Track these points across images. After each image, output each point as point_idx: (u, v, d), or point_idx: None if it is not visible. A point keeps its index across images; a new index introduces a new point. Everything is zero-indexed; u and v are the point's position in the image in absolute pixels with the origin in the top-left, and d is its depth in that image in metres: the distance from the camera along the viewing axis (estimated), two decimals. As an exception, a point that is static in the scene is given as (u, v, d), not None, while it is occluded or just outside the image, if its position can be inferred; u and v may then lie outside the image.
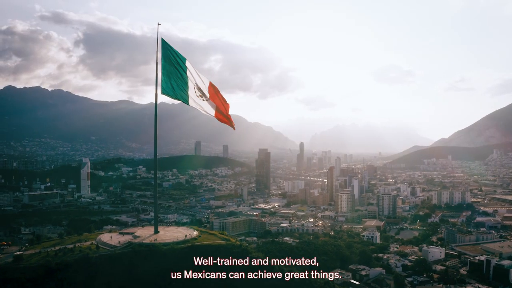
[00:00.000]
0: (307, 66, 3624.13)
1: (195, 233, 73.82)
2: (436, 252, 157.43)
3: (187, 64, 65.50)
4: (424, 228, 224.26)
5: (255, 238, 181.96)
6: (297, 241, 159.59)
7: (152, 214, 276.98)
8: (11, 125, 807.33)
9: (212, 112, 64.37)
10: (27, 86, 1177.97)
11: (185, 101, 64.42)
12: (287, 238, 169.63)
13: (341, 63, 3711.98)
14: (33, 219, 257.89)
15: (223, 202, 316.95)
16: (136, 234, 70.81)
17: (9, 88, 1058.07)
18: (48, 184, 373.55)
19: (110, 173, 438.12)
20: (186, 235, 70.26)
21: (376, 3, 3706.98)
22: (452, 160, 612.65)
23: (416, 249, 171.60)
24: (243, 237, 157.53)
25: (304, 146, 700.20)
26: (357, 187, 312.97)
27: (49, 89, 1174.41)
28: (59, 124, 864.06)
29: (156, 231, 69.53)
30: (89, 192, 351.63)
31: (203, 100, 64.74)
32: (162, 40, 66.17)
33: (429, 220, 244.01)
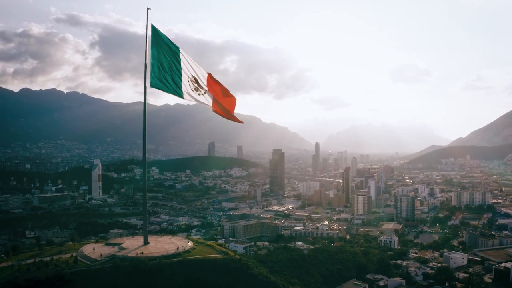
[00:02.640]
0: (323, 66, 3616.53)
1: (190, 244, 65.56)
2: (458, 258, 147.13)
3: (181, 53, 57.37)
4: (444, 231, 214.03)
5: (266, 243, 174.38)
6: (311, 247, 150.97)
7: (163, 216, 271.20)
8: (27, 127, 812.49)
9: (210, 106, 56.45)
10: (43, 88, 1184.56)
11: (179, 94, 56.26)
12: (300, 243, 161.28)
13: (356, 63, 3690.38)
14: (42, 222, 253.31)
15: (236, 204, 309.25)
16: (123, 245, 62.80)
17: (25, 91, 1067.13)
18: (60, 186, 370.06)
19: (123, 174, 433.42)
20: (178, 247, 61.98)
21: (393, 3, 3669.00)
22: (470, 159, 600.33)
23: (436, 254, 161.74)
24: (252, 243, 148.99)
25: (320, 147, 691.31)
26: (374, 188, 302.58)
27: (65, 91, 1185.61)
28: (75, 126, 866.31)
29: (146, 242, 61.45)
30: (101, 194, 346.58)
31: (200, 94, 56.63)
32: (153, 27, 58.04)
33: (449, 223, 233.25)
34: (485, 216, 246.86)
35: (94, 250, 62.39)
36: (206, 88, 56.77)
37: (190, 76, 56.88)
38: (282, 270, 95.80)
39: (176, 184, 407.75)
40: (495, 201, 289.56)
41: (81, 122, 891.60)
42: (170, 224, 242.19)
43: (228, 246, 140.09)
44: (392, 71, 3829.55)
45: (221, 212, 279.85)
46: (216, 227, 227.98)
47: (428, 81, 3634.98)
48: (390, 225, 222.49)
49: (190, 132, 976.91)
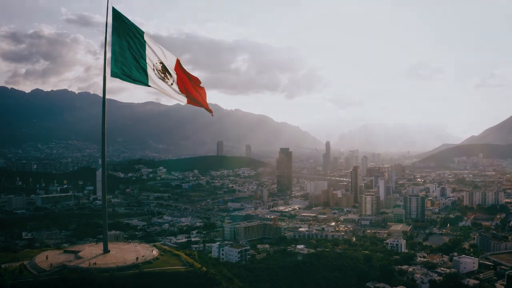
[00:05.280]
0: (335, 64, 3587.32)
1: (154, 253, 58.41)
2: (469, 263, 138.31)
3: (146, 38, 50.30)
4: (455, 233, 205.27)
5: (267, 246, 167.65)
6: (312, 250, 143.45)
7: (166, 217, 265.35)
8: (39, 128, 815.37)
9: (178, 96, 49.72)
10: (55, 89, 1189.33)
11: (144, 83, 49.23)
12: (301, 247, 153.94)
13: (369, 61, 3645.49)
14: (44, 223, 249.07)
15: (241, 204, 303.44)
16: (81, 253, 56.01)
17: (36, 91, 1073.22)
18: (65, 186, 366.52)
19: (130, 174, 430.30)
20: (138, 257, 54.98)
21: (404, 1, 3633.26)
22: (483, 158, 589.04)
23: (446, 258, 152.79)
24: (248, 247, 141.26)
25: (332, 146, 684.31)
26: (383, 187, 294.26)
27: (76, 92, 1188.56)
28: (86, 126, 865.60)
29: (106, 251, 54.61)
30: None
31: (167, 83, 49.75)
32: (114, 10, 50.90)
33: (460, 224, 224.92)
34: (498, 216, 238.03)
35: (47, 258, 55.70)
36: (175, 77, 50.27)
37: (157, 63, 50.14)
38: (270, 280, 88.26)
39: (183, 184, 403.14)
40: (509, 200, 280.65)
41: (93, 123, 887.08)
42: (172, 225, 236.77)
43: (223, 250, 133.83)
44: (404, 69, 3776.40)
45: (226, 213, 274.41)
46: (218, 228, 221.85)
47: (441, 79, 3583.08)
48: (399, 227, 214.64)
49: (201, 132, 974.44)
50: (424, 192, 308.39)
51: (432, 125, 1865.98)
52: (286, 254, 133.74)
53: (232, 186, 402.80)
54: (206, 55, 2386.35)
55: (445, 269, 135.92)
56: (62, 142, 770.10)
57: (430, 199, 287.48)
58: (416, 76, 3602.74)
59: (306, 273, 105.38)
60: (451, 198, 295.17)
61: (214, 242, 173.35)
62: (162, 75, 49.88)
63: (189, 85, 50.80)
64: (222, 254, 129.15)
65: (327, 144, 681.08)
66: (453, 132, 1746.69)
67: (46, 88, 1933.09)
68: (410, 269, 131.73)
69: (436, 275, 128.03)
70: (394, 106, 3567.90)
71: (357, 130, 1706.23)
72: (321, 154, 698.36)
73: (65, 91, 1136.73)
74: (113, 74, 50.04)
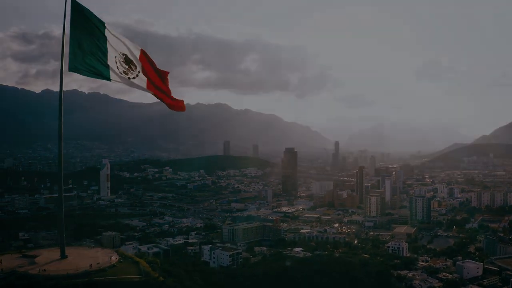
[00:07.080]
0: (346, 64, 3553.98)
1: (113, 259, 54.25)
2: (473, 268, 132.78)
3: (107, 29, 45.82)
4: (461, 235, 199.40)
5: (264, 248, 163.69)
6: (309, 254, 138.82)
7: (167, 218, 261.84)
8: (49, 128, 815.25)
9: (143, 88, 45.25)
10: (65, 89, 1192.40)
11: (105, 77, 44.76)
12: (298, 250, 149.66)
13: (380, 61, 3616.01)
14: (45, 223, 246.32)
15: (245, 205, 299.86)
16: (37, 258, 52.09)
17: (46, 92, 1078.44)
18: (70, 186, 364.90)
19: (135, 174, 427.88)
20: (91, 264, 50.88)
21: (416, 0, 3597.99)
22: (494, 158, 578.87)
23: (449, 262, 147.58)
24: (240, 250, 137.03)
25: (343, 146, 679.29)
26: (389, 188, 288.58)
27: (86, 92, 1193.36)
28: (96, 126, 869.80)
29: (63, 256, 50.62)
30: (109, 194, 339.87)
31: (130, 77, 45.28)
32: (73, 0, 46.50)
33: (467, 226, 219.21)
34: (506, 218, 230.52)
35: (1, 263, 51.97)
36: (139, 69, 45.90)
37: (119, 55, 45.70)
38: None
39: (188, 184, 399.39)
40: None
41: (102, 123, 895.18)
42: (172, 226, 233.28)
43: (214, 253, 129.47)
44: (416, 68, 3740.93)
45: (228, 213, 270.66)
46: (218, 230, 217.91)
47: (452, 78, 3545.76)
48: (403, 229, 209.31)
49: (211, 132, 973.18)
50: (432, 193, 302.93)
51: (443, 125, 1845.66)
52: (281, 257, 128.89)
53: (238, 186, 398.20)
54: (216, 55, 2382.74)
55: (448, 274, 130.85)
56: (72, 142, 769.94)
57: (438, 200, 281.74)
58: (428, 75, 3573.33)
59: (293, 280, 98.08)
60: (459, 199, 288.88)
61: (212, 243, 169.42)
62: (126, 66, 45.82)
63: (154, 76, 46.88)
64: (214, 258, 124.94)
65: (336, 144, 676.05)
66: (464, 131, 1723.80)
67: (56, 88, 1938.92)
68: (410, 275, 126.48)
69: (437, 281, 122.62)
70: (405, 105, 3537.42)
71: (368, 130, 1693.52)
72: (330, 154, 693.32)
73: (75, 91, 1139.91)
74: (71, 69, 45.96)
